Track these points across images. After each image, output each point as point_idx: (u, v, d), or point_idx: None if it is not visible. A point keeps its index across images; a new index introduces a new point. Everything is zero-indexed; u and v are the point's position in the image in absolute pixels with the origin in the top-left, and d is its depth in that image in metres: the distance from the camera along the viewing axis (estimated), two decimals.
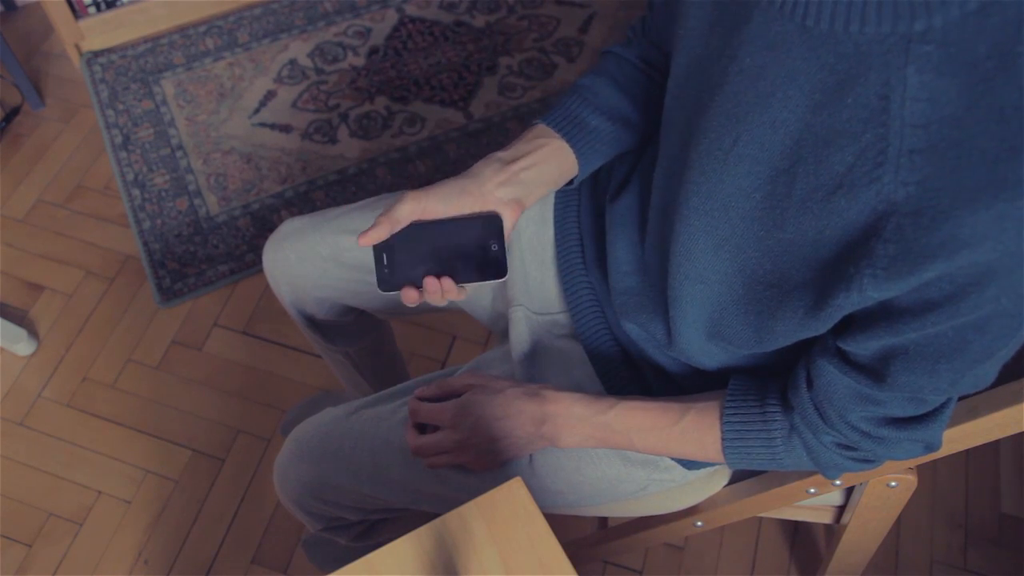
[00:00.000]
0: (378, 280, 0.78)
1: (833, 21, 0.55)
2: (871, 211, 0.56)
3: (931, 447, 0.69)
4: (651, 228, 0.78)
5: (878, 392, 0.65)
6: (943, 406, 0.67)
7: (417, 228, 0.77)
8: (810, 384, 0.69)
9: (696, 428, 0.76)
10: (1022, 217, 0.51)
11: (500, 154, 0.81)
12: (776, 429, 0.73)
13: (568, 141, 0.83)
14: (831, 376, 0.67)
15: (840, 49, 0.56)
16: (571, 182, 0.86)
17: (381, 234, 0.76)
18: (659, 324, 0.79)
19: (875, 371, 0.64)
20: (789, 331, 0.66)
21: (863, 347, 0.63)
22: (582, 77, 0.87)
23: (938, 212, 0.53)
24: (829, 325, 0.63)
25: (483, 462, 0.84)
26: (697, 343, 0.76)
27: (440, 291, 0.77)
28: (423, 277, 0.77)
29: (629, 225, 0.84)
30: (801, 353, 0.72)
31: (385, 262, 0.77)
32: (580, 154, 0.83)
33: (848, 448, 0.71)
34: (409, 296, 0.78)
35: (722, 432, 0.75)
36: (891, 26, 0.53)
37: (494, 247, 0.77)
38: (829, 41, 0.56)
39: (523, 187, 0.80)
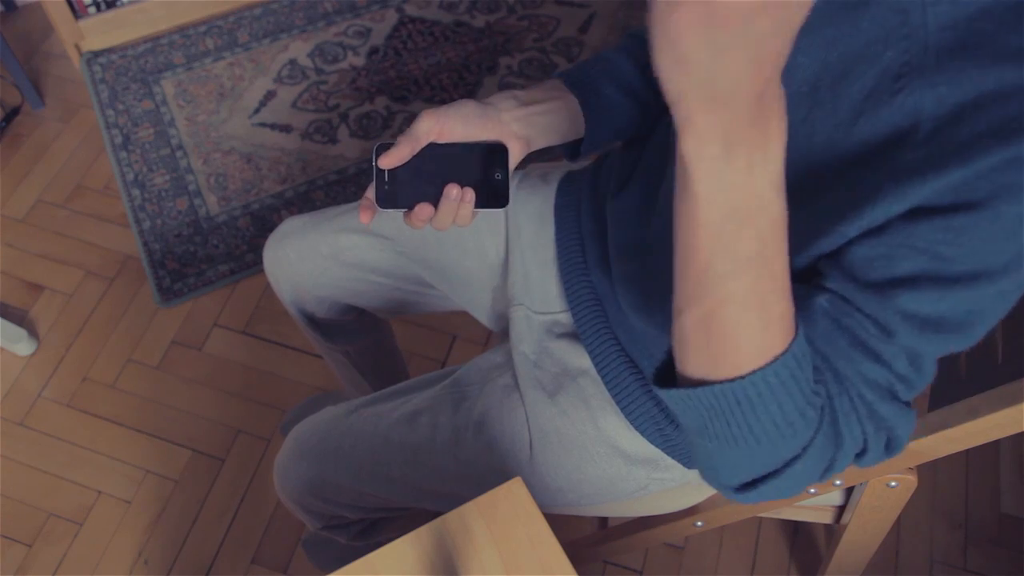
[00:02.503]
0: (377, 197, 0.74)
1: None
2: (895, 126, 0.55)
3: (893, 445, 0.58)
4: (662, 216, 0.75)
5: (884, 343, 0.55)
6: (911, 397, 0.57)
7: (423, 150, 0.75)
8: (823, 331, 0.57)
9: (784, 318, 0.52)
10: None
11: (517, 92, 0.80)
12: (816, 398, 0.55)
13: (580, 102, 0.82)
14: (847, 312, 0.56)
15: None
16: (576, 155, 0.85)
17: (403, 154, 0.72)
18: (663, 311, 0.74)
19: (882, 311, 0.55)
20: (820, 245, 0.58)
21: (870, 272, 0.54)
22: (604, 51, 0.87)
23: (980, 98, 0.51)
24: (845, 238, 0.56)
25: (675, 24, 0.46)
26: None
27: (457, 204, 0.73)
28: (426, 198, 0.74)
29: (633, 218, 0.83)
30: None
31: (386, 179, 0.74)
32: (589, 118, 0.82)
33: (892, 395, 0.57)
34: (423, 213, 0.73)
35: (775, 359, 0.52)
36: None
37: (498, 175, 0.75)
38: None
39: (534, 129, 0.79)
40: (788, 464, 0.55)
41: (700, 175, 0.47)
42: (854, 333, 0.55)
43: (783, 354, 0.51)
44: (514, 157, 0.77)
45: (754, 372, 0.51)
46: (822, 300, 0.57)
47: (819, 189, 0.59)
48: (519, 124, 0.78)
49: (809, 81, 0.59)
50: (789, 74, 0.57)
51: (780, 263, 0.50)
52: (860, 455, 0.58)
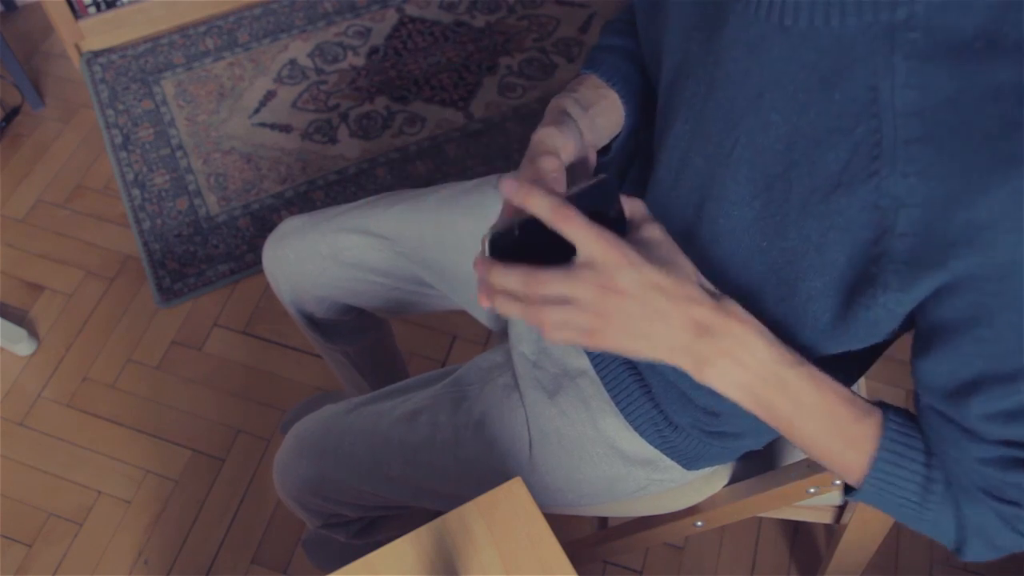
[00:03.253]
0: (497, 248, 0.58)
1: (812, 18, 0.54)
2: (873, 207, 0.54)
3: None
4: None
5: (982, 445, 0.58)
6: None
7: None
8: (928, 429, 0.62)
9: (864, 439, 0.62)
10: None
11: (576, 96, 0.76)
12: (936, 480, 0.61)
13: (622, 99, 0.80)
14: (933, 419, 0.60)
15: (821, 45, 0.54)
16: (607, 151, 0.83)
17: (556, 167, 0.64)
18: None
19: (957, 412, 0.58)
20: (820, 343, 0.62)
21: (937, 383, 0.58)
22: (613, 39, 0.84)
23: (950, 199, 0.51)
24: (865, 333, 0.59)
25: (595, 343, 0.58)
26: None
27: None
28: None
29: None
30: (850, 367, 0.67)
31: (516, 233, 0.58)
32: (629, 114, 0.81)
33: (998, 499, 0.59)
34: None
35: (877, 453, 0.61)
36: (872, 16, 0.52)
37: (613, 211, 0.61)
38: (809, 38, 0.55)
39: (597, 134, 0.77)
40: (961, 538, 0.62)
41: (719, 388, 0.59)
42: (948, 434, 0.60)
43: (868, 473, 0.62)
44: (590, 170, 0.74)
45: (856, 478, 0.63)
46: (924, 400, 0.61)
47: (797, 251, 0.59)
48: (589, 133, 0.76)
49: (783, 139, 0.58)
50: (763, 130, 0.58)
51: (814, 424, 0.60)
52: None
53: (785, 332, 0.62)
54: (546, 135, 0.67)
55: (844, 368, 0.68)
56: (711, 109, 0.63)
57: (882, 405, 0.63)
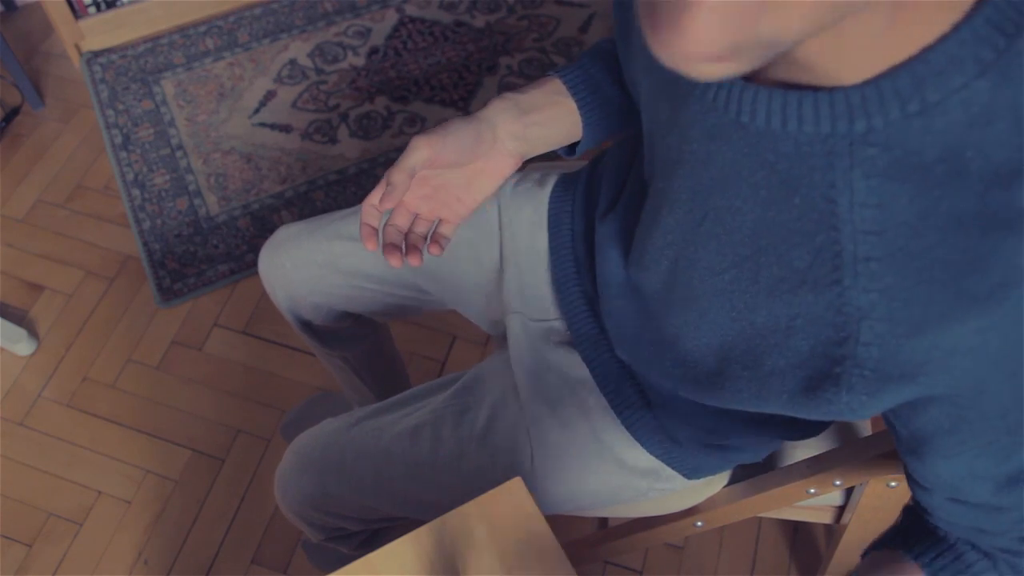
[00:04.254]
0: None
1: (769, 120, 0.51)
2: (837, 311, 0.53)
3: None
4: (648, 278, 0.72)
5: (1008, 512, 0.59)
6: None
7: None
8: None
9: None
10: (1002, 325, 0.47)
11: (517, 98, 0.77)
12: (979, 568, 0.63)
13: (580, 108, 0.79)
14: (959, 511, 0.61)
15: (780, 148, 0.51)
16: (572, 153, 0.84)
17: (401, 193, 0.71)
18: (646, 356, 0.74)
19: (981, 497, 0.59)
20: (788, 410, 0.62)
21: (940, 481, 0.59)
22: (604, 41, 0.84)
23: (912, 324, 0.50)
24: (825, 415, 0.60)
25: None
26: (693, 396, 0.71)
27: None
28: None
29: (616, 248, 0.80)
30: None
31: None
32: (587, 123, 0.80)
33: (1009, 553, 0.62)
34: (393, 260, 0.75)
35: None
36: (830, 126, 0.48)
37: None
38: (767, 139, 0.52)
39: (531, 143, 0.77)
40: None
41: None
42: (976, 513, 0.60)
43: None
44: (508, 173, 0.77)
45: None
46: (935, 497, 0.62)
47: (766, 328, 0.58)
48: (515, 142, 0.76)
49: (749, 226, 0.56)
50: (730, 212, 0.57)
51: None
52: None
53: (752, 398, 0.63)
54: (418, 144, 0.71)
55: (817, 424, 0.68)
56: (680, 178, 0.61)
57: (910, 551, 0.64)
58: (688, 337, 0.65)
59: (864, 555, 0.69)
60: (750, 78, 0.51)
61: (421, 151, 0.71)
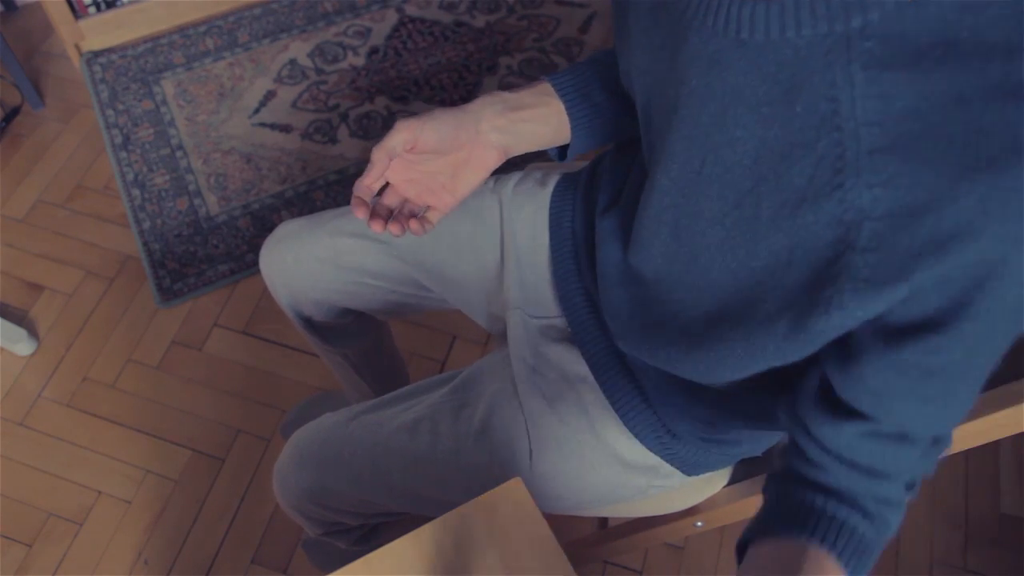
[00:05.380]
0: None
1: (768, 30, 0.54)
2: (838, 222, 0.54)
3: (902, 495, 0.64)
4: (647, 256, 0.74)
5: (907, 444, 0.60)
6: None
7: None
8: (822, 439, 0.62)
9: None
10: (1006, 195, 0.48)
11: (506, 95, 0.79)
12: (881, 527, 0.63)
13: (568, 111, 0.81)
14: (857, 444, 0.61)
15: (780, 57, 0.54)
16: (564, 155, 0.85)
17: (380, 171, 0.75)
18: (646, 346, 0.75)
19: (886, 423, 0.59)
20: (773, 360, 0.63)
21: (861, 388, 0.58)
22: (600, 52, 0.86)
23: (916, 208, 0.51)
24: (808, 351, 0.60)
25: None
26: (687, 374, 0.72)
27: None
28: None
29: (616, 242, 0.81)
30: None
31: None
32: (576, 127, 0.82)
33: (912, 486, 0.64)
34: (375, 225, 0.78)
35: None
36: (827, 26, 0.52)
37: None
38: (767, 51, 0.54)
39: (516, 137, 0.79)
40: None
41: None
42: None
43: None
44: (491, 166, 0.79)
45: None
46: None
47: (765, 270, 0.59)
48: (498, 134, 0.78)
49: (750, 154, 0.58)
50: (729, 146, 0.58)
51: None
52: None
53: (744, 356, 0.63)
54: (399, 127, 0.75)
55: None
56: (677, 129, 0.63)
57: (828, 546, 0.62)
58: (688, 308, 0.66)
59: (740, 550, 0.66)
60: None
61: (401, 133, 0.74)
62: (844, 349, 0.58)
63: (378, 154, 0.75)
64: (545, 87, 0.82)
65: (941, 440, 0.62)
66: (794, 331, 0.59)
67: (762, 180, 0.58)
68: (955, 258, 0.50)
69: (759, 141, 0.57)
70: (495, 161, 0.79)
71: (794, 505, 0.64)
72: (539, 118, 0.80)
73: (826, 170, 0.54)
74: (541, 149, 0.83)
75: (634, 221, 0.74)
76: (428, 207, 0.81)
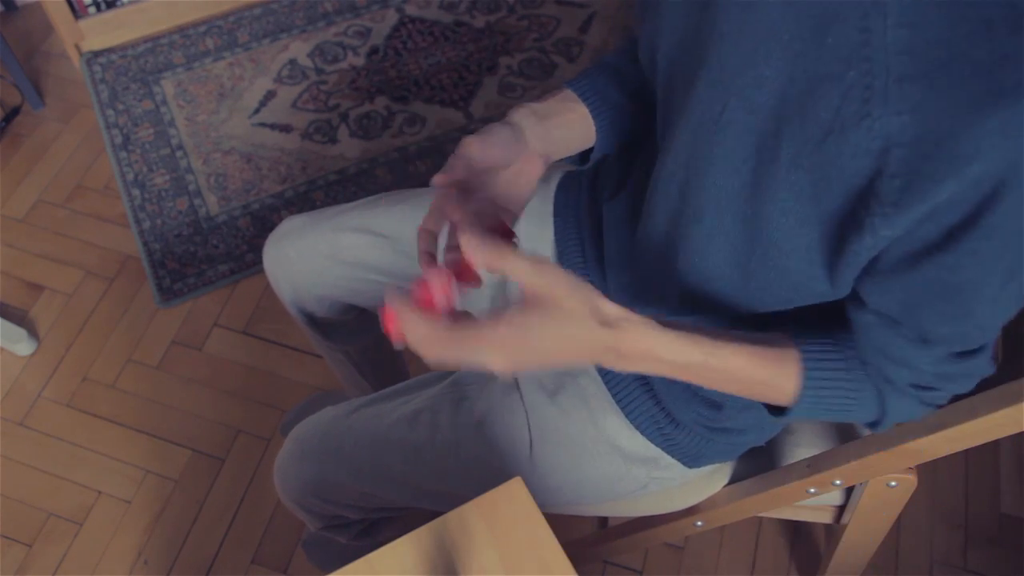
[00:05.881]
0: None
1: None
2: (865, 151, 0.55)
3: (984, 375, 0.68)
4: (652, 224, 0.77)
5: (929, 345, 0.63)
6: (994, 336, 0.65)
7: None
8: (867, 337, 0.66)
9: (787, 379, 0.68)
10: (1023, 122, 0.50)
11: (535, 106, 0.81)
12: (855, 380, 0.67)
13: (593, 114, 0.83)
14: (879, 331, 0.64)
15: None
16: (586, 160, 0.86)
17: (457, 174, 0.73)
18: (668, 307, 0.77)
19: (912, 328, 0.62)
20: (816, 296, 0.66)
21: (887, 298, 0.61)
22: (607, 56, 0.88)
23: (940, 134, 0.52)
24: (849, 280, 0.62)
25: (511, 369, 0.65)
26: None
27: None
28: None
29: (623, 227, 0.84)
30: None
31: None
32: (600, 128, 0.83)
33: (925, 388, 0.67)
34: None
35: (803, 380, 0.67)
36: None
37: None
38: None
39: (553, 145, 0.80)
40: (879, 420, 0.70)
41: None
42: (894, 341, 0.64)
43: (800, 389, 0.67)
44: (538, 174, 0.79)
45: (796, 397, 0.68)
46: (869, 317, 0.64)
47: (785, 211, 0.60)
48: (540, 142, 0.79)
49: (775, 94, 0.59)
50: (755, 86, 0.60)
51: (731, 370, 0.66)
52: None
53: (783, 289, 0.66)
54: (469, 143, 0.74)
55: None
56: (701, 77, 0.64)
57: (795, 336, 0.68)
58: (694, 271, 0.70)
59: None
60: None
61: (473, 146, 0.74)
62: (870, 265, 0.60)
63: (457, 161, 0.73)
64: (567, 93, 0.83)
65: (968, 357, 0.64)
66: (833, 262, 0.61)
67: (785, 121, 0.59)
68: (969, 178, 0.52)
69: (787, 79, 0.58)
70: (541, 169, 0.80)
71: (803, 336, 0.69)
72: (568, 124, 0.82)
73: (854, 100, 0.55)
74: (572, 154, 0.84)
75: (644, 195, 0.76)
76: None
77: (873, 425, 0.71)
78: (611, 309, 0.63)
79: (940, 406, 0.70)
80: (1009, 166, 0.51)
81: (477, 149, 0.74)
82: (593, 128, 0.83)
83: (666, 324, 0.64)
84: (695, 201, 0.67)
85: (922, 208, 0.54)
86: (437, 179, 0.73)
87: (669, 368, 0.66)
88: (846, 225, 0.58)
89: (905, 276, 0.59)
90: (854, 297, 0.65)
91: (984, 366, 0.66)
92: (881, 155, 0.54)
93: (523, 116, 0.79)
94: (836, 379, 0.67)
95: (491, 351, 0.62)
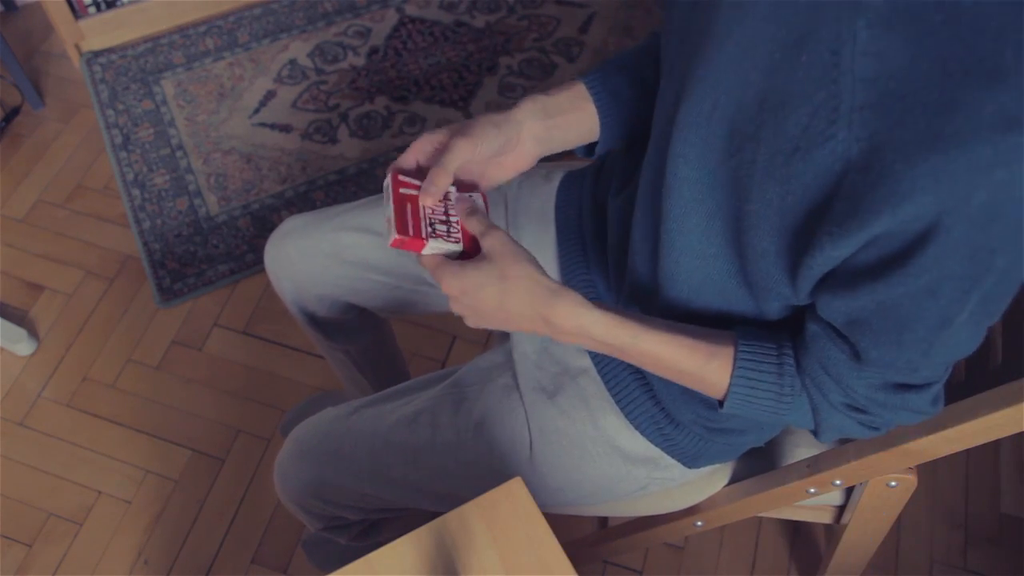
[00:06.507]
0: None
1: None
2: (827, 171, 0.56)
3: (926, 415, 0.69)
4: (640, 210, 0.78)
5: (862, 365, 0.65)
6: (935, 378, 0.66)
7: None
8: (812, 347, 0.68)
9: (715, 374, 0.72)
10: (956, 172, 0.50)
11: (544, 100, 0.81)
12: (787, 385, 0.70)
13: (600, 112, 0.83)
14: (823, 343, 0.67)
15: (797, 6, 0.57)
16: (592, 151, 0.87)
17: (443, 190, 0.74)
18: (655, 307, 0.78)
19: (850, 343, 0.64)
20: (783, 299, 0.67)
21: (832, 312, 0.63)
22: (628, 50, 0.88)
23: (883, 167, 0.53)
24: (807, 290, 0.64)
25: (475, 324, 0.76)
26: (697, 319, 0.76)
27: None
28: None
29: (626, 221, 0.84)
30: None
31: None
32: (604, 125, 0.84)
33: (857, 410, 0.69)
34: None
35: (732, 378, 0.71)
36: None
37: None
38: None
39: (549, 145, 0.81)
40: (816, 431, 0.73)
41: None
42: (835, 356, 0.67)
43: (729, 388, 0.71)
44: (522, 169, 0.81)
45: (725, 394, 0.72)
46: (816, 327, 0.67)
47: (758, 214, 0.62)
48: (536, 143, 0.80)
49: (758, 98, 0.60)
50: (743, 87, 0.61)
51: (658, 355, 0.71)
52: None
53: (760, 289, 0.67)
54: (457, 145, 0.74)
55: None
56: (692, 72, 0.65)
57: (736, 332, 0.72)
58: (671, 246, 0.72)
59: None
60: None
61: (464, 152, 0.74)
62: (823, 279, 0.62)
63: (444, 178, 0.74)
64: (580, 89, 0.83)
65: (905, 391, 0.66)
66: (793, 272, 0.63)
67: (763, 126, 0.60)
68: (902, 216, 0.53)
69: (767, 86, 0.59)
70: (527, 165, 0.81)
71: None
72: (573, 124, 0.82)
73: (821, 121, 0.56)
74: (570, 149, 0.85)
75: (638, 189, 0.77)
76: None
77: (814, 433, 0.73)
78: (547, 284, 0.71)
79: (879, 429, 0.71)
80: (941, 212, 0.52)
81: (467, 155, 0.74)
82: (597, 127, 0.83)
83: (597, 304, 0.71)
84: (680, 194, 0.68)
85: (862, 236, 0.55)
86: (422, 199, 0.74)
87: (600, 345, 0.72)
88: (804, 240, 0.60)
89: (847, 295, 0.60)
90: (811, 305, 0.67)
91: (924, 405, 0.67)
92: (840, 177, 0.55)
93: (529, 112, 0.79)
94: (767, 381, 0.70)
95: (451, 298, 0.73)
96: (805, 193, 0.58)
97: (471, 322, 0.75)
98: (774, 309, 0.70)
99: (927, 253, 0.54)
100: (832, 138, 0.55)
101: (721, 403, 0.74)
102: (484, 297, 0.71)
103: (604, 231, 0.89)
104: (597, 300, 0.72)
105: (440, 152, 0.75)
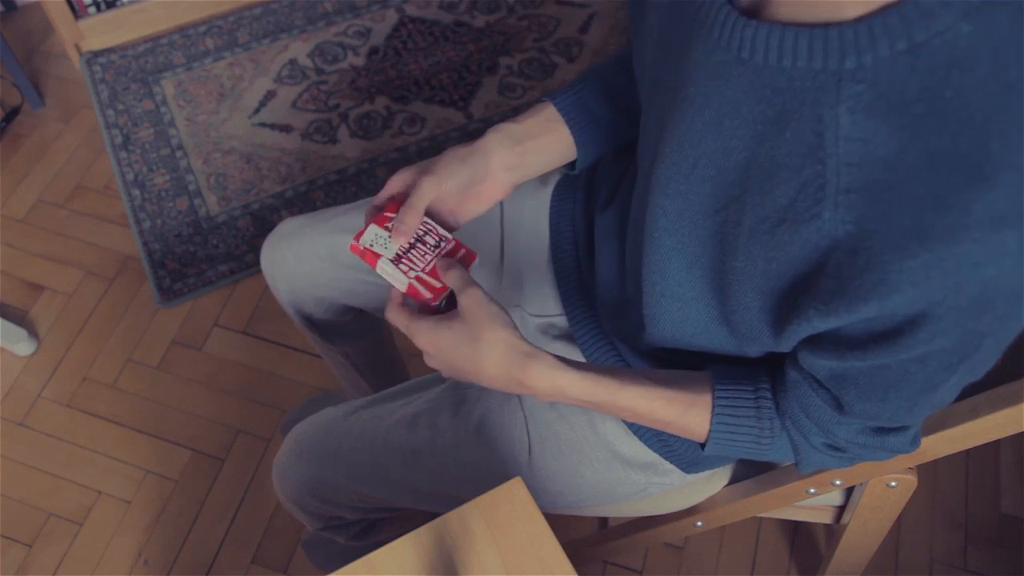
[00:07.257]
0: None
1: (767, 55, 0.55)
2: (814, 247, 0.56)
3: (904, 453, 0.70)
4: (628, 245, 0.78)
5: (844, 415, 0.66)
6: (916, 422, 0.68)
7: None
8: (792, 392, 0.69)
9: (695, 421, 0.73)
10: (947, 269, 0.50)
11: (512, 129, 0.80)
12: (767, 428, 0.71)
13: (572, 132, 0.83)
14: (804, 390, 0.67)
15: (775, 83, 0.55)
16: (572, 167, 0.86)
17: (413, 229, 0.74)
18: (642, 340, 0.78)
19: (833, 395, 0.65)
20: (765, 347, 0.67)
21: (816, 368, 0.64)
22: (601, 63, 0.87)
23: (871, 255, 0.53)
24: (790, 345, 0.64)
25: (449, 376, 0.77)
26: (680, 360, 0.77)
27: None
28: None
29: (613, 239, 0.83)
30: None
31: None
32: (580, 143, 0.83)
33: (837, 450, 0.71)
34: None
35: (711, 424, 0.72)
36: (822, 62, 0.52)
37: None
38: (764, 74, 0.56)
39: (523, 171, 0.81)
40: (798, 465, 0.74)
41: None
42: (819, 404, 0.68)
43: (710, 433, 0.72)
44: (496, 199, 0.81)
45: (706, 439, 0.74)
46: (798, 376, 0.68)
47: (744, 272, 0.62)
48: (508, 172, 0.80)
49: (741, 164, 0.59)
50: (724, 154, 0.60)
51: (637, 410, 0.72)
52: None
53: (741, 336, 0.67)
54: (424, 183, 0.75)
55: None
56: (668, 130, 0.64)
57: (713, 373, 0.73)
58: (667, 311, 0.72)
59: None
60: (753, 16, 0.55)
61: (430, 190, 0.75)
62: (806, 340, 0.63)
63: (413, 218, 0.74)
64: (550, 111, 0.83)
65: (886, 433, 0.67)
66: (776, 331, 0.63)
67: (748, 191, 0.59)
68: (890, 307, 0.53)
69: (751, 154, 0.58)
70: (502, 194, 0.81)
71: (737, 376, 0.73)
72: (545, 147, 0.82)
73: (807, 198, 0.55)
74: (549, 171, 0.85)
75: (628, 217, 0.77)
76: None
77: (796, 464, 0.75)
78: (521, 347, 0.71)
79: (855, 460, 0.73)
80: (930, 303, 0.52)
81: (433, 195, 0.75)
82: (573, 147, 0.83)
83: (572, 364, 0.71)
84: (671, 240, 0.67)
85: (849, 317, 0.56)
86: (393, 237, 0.75)
87: (579, 403, 0.73)
88: (789, 304, 0.60)
89: (833, 358, 0.61)
90: (792, 354, 0.67)
91: (903, 444, 0.68)
92: (826, 254, 0.55)
93: (496, 143, 0.79)
94: (746, 425, 0.71)
95: (427, 354, 0.73)
96: (791, 263, 0.58)
97: (445, 375, 0.75)
98: (755, 351, 0.70)
99: (917, 335, 0.54)
100: (818, 217, 0.55)
101: (703, 445, 0.74)
102: (457, 357, 0.71)
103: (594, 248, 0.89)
104: (572, 360, 0.72)
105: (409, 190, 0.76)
